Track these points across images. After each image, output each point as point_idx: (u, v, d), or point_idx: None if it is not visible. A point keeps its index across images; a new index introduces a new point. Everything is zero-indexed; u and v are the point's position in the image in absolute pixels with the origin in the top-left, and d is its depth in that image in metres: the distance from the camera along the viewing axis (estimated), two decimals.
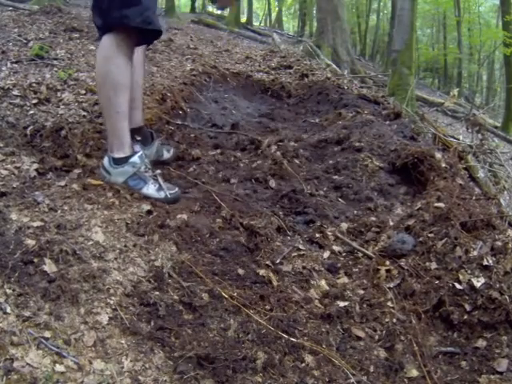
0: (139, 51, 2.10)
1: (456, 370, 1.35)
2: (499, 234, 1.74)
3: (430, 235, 1.80)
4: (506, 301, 1.43)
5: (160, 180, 1.98)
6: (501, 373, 1.30)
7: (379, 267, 1.74)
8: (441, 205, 1.93)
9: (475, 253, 1.63)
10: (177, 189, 2.01)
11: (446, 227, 1.78)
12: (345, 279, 1.75)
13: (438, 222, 1.85)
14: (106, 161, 1.95)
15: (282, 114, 3.69)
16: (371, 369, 1.36)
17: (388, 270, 1.73)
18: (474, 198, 2.00)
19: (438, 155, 2.35)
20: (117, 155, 1.92)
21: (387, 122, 3.16)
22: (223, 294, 1.48)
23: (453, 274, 1.59)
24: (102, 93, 1.90)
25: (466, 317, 1.46)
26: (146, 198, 1.91)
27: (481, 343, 1.40)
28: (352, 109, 3.40)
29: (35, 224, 1.53)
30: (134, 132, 2.15)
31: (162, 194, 1.94)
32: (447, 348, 1.43)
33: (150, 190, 1.94)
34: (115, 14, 1.75)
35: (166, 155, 2.46)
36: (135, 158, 1.95)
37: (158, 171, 2.02)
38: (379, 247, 1.87)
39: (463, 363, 1.36)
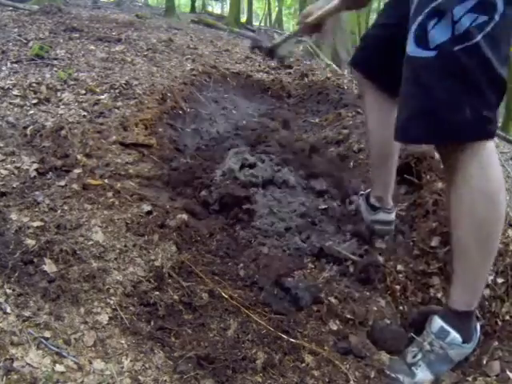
0: None
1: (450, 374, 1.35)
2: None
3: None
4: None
5: None
6: (496, 375, 1.29)
7: None
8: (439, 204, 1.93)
9: None
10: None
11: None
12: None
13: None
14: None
15: (282, 114, 3.68)
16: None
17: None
18: None
19: (438, 155, 2.34)
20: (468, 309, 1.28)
21: None
22: (223, 294, 1.48)
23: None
24: (484, 246, 1.21)
25: None
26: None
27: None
28: (352, 109, 3.40)
29: (35, 224, 1.53)
30: None
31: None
32: None
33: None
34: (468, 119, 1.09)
35: None
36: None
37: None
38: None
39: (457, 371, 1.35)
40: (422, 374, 1.28)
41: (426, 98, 1.12)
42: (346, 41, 8.21)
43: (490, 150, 1.15)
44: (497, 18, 1.03)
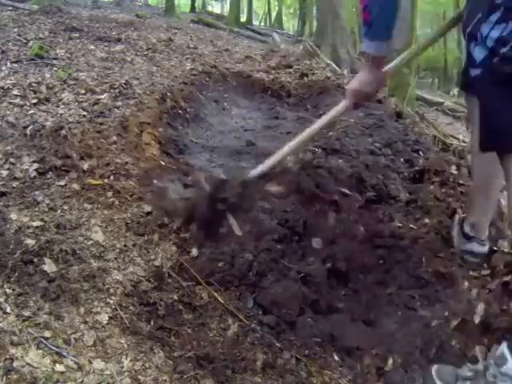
0: None
1: None
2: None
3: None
4: None
5: None
6: None
7: None
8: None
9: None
10: None
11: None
12: None
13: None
14: None
15: (281, 114, 3.68)
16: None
17: None
18: None
19: (447, 166, 2.31)
20: None
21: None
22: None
23: None
24: None
25: None
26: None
27: None
28: None
29: (35, 224, 1.53)
30: None
31: None
32: None
33: None
34: None
35: None
36: None
37: None
38: None
39: None
40: None
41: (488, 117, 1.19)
42: (346, 40, 8.20)
43: None
44: None
